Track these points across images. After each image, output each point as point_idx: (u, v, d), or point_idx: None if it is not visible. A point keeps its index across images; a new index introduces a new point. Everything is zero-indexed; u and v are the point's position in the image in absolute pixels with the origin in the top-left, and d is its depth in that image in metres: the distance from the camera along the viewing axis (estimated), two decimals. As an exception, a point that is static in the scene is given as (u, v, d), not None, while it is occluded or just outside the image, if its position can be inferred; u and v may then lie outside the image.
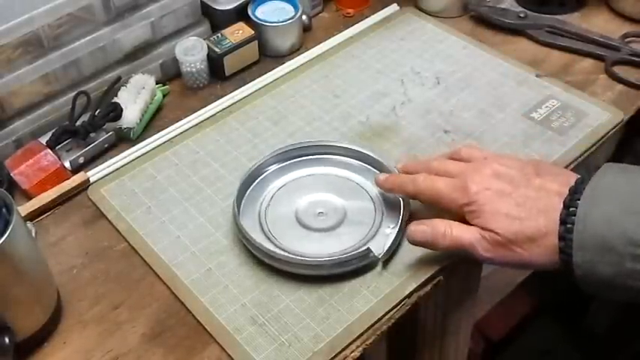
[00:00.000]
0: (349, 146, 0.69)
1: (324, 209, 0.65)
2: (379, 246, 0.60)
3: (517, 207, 0.54)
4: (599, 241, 0.49)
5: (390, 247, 0.60)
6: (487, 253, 0.55)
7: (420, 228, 0.58)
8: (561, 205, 0.52)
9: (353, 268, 0.60)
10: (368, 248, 0.59)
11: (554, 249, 0.52)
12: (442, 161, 0.62)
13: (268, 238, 0.63)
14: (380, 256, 0.60)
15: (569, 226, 0.51)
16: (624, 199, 0.50)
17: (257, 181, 0.68)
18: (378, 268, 0.60)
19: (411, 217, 0.63)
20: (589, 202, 0.51)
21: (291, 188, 0.68)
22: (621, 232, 0.49)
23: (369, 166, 0.68)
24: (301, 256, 0.60)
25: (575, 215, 0.51)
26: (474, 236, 0.55)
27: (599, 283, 0.51)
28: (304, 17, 0.87)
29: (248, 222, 0.64)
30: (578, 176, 0.55)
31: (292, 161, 0.69)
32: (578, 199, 0.51)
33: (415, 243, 0.59)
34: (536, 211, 0.53)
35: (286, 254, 0.60)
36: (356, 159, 0.69)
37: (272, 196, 0.67)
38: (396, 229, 0.61)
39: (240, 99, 0.79)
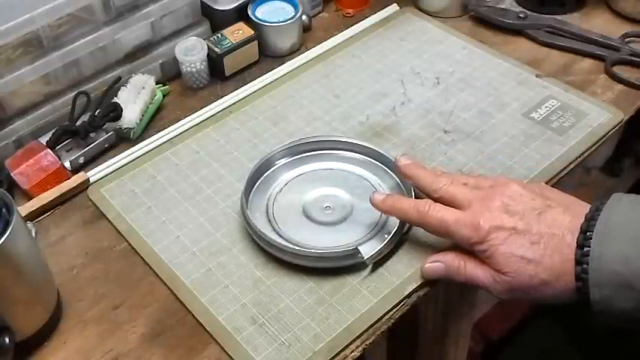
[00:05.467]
0: (369, 145, 0.69)
1: (331, 204, 0.66)
2: (371, 249, 0.59)
3: (531, 246, 0.53)
4: (616, 279, 0.49)
5: (378, 251, 0.59)
6: (501, 295, 0.55)
7: (434, 265, 0.58)
8: (575, 244, 0.52)
9: (337, 265, 0.60)
10: (356, 248, 0.59)
11: (571, 287, 0.52)
12: (447, 183, 0.58)
13: (270, 222, 0.64)
14: (366, 259, 0.59)
15: (584, 266, 0.51)
16: (637, 235, 0.50)
17: (268, 172, 0.68)
18: (381, 268, 0.60)
19: (411, 226, 0.63)
20: (602, 240, 0.50)
21: (306, 179, 0.68)
22: (638, 268, 0.48)
23: (386, 168, 0.68)
24: (292, 243, 0.60)
25: (589, 255, 0.50)
26: (487, 279, 0.55)
27: (618, 317, 0.51)
28: (304, 17, 0.87)
29: (256, 206, 0.65)
30: (588, 205, 0.54)
31: (309, 154, 0.69)
32: (591, 238, 0.51)
33: (431, 279, 0.59)
34: (551, 251, 0.52)
35: (271, 237, 0.60)
36: (375, 159, 0.69)
37: (286, 184, 0.68)
38: (391, 235, 0.61)
39: (240, 99, 0.79)
